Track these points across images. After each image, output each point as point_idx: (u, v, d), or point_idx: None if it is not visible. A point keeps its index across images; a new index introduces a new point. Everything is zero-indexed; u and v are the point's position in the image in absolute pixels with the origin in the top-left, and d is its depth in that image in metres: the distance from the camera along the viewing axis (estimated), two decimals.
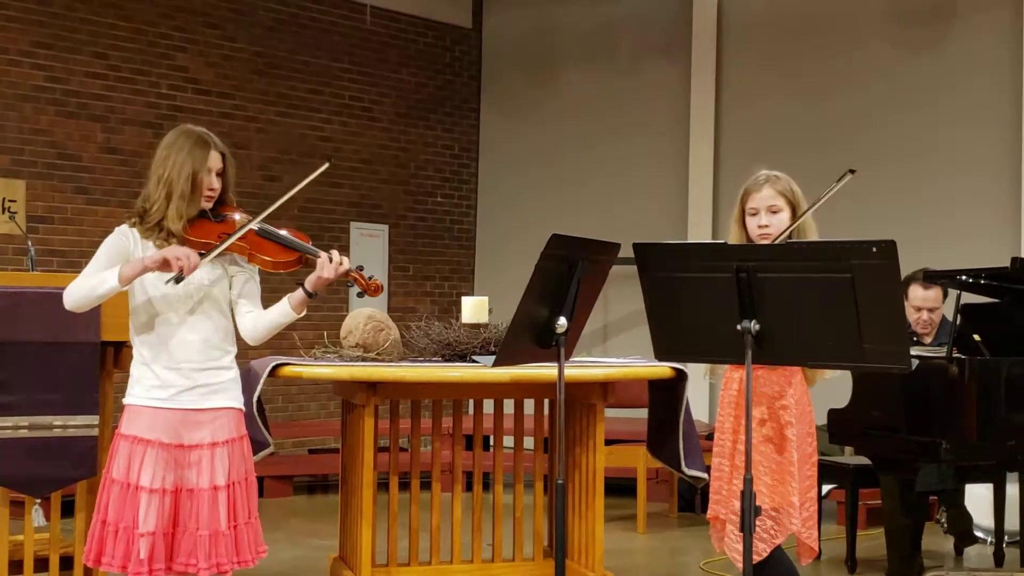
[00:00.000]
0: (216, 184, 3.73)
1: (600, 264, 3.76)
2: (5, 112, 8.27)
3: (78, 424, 4.35)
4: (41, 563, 4.51)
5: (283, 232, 3.79)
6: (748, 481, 3.34)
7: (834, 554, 6.40)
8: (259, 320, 3.79)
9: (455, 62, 10.97)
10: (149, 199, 3.68)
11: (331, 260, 3.73)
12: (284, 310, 3.77)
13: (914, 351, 5.21)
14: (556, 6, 10.65)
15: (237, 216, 3.76)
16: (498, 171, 11.01)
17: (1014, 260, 5.48)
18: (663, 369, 5.04)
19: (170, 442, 3.66)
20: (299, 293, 3.75)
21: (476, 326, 5.30)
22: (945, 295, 6.40)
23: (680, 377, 5.16)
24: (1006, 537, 6.34)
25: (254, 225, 3.71)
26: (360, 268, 3.85)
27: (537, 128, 10.74)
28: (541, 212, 10.34)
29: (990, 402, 5.29)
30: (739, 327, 3.36)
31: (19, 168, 8.31)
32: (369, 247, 10.12)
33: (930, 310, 6.38)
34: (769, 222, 3.85)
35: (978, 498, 6.50)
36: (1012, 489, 6.24)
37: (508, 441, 5.74)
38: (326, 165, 3.78)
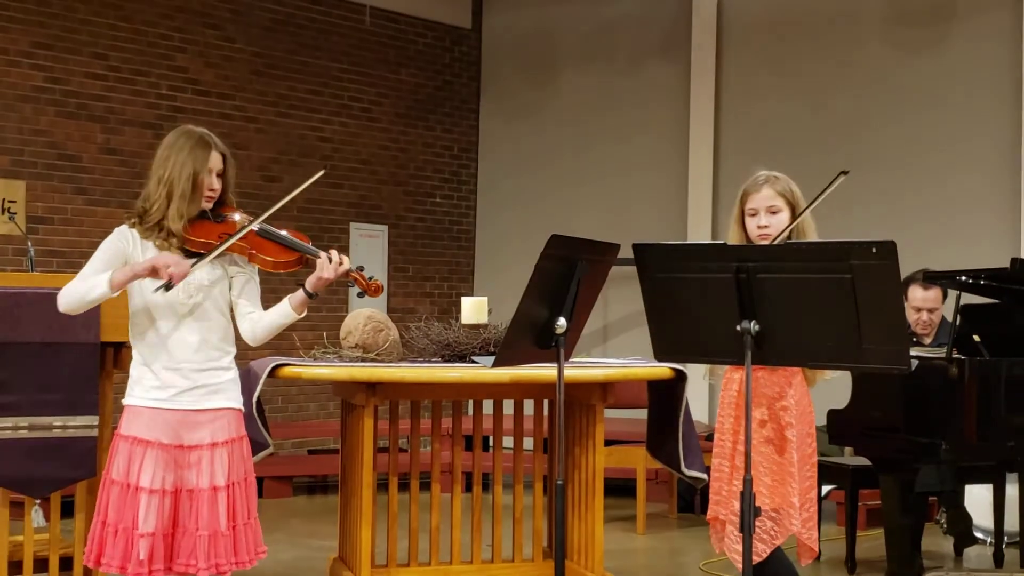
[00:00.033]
0: (217, 185, 3.73)
1: (600, 264, 3.77)
2: (5, 113, 8.27)
3: (78, 425, 4.35)
4: (41, 564, 4.51)
5: (283, 232, 3.79)
6: (748, 482, 3.34)
7: (834, 555, 6.40)
8: (260, 321, 3.79)
9: (455, 62, 10.98)
10: (149, 199, 3.69)
11: (331, 260, 3.73)
12: (285, 311, 3.77)
13: (914, 352, 5.22)
14: (556, 6, 10.66)
15: (237, 217, 3.76)
16: (498, 171, 11.01)
17: (1014, 261, 5.48)
18: (663, 370, 5.04)
19: (170, 443, 3.66)
20: (300, 294, 3.75)
21: (475, 327, 5.30)
22: (945, 296, 6.40)
23: (680, 378, 5.16)
24: (1006, 538, 6.34)
25: (254, 226, 3.71)
26: (360, 268, 3.85)
27: (537, 128, 10.74)
28: (541, 212, 10.35)
29: (990, 403, 5.29)
30: (739, 328, 3.36)
31: (19, 169, 8.31)
32: (369, 248, 10.12)
33: (930, 311, 6.38)
34: (768, 222, 3.85)
35: (978, 499, 6.50)
36: (1012, 490, 6.24)
37: (508, 442, 5.74)
38: (321, 172, 3.77)
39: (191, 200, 3.66)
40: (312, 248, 3.79)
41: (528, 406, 5.61)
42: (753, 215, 3.88)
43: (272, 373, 4.81)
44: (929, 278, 6.14)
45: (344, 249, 3.85)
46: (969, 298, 5.68)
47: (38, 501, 4.47)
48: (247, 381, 4.78)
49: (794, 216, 3.84)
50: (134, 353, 3.75)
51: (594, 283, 3.78)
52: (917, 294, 6.35)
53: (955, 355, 5.35)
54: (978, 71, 8.45)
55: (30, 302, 4.20)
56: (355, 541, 5.08)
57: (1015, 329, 5.66)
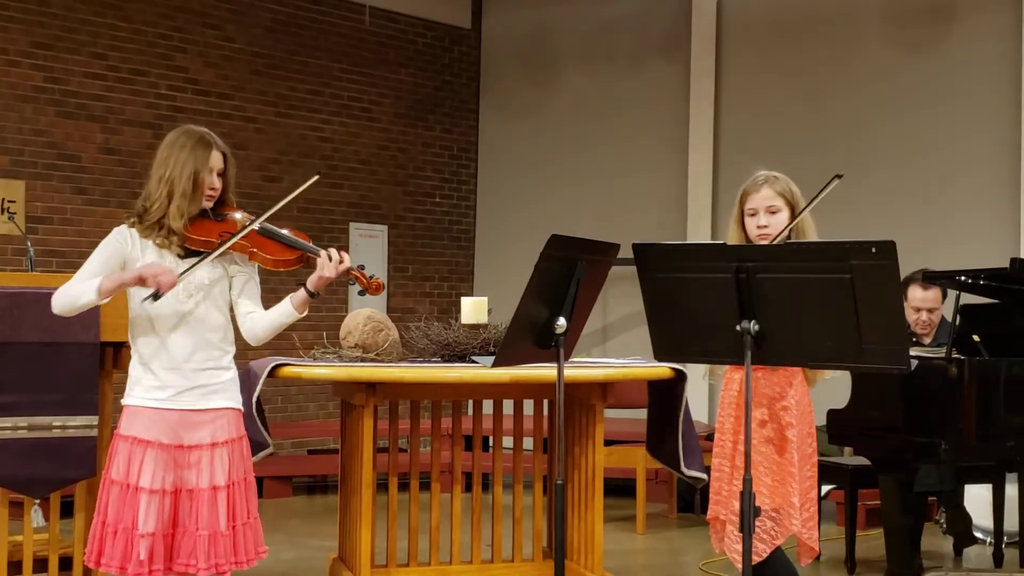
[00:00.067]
0: (217, 184, 3.74)
1: (600, 264, 3.77)
2: (5, 113, 8.27)
3: (77, 424, 4.35)
4: (40, 564, 4.51)
5: (284, 231, 3.80)
6: (747, 481, 3.34)
7: (833, 555, 6.40)
8: (261, 321, 3.79)
9: (454, 62, 10.98)
10: (150, 198, 3.69)
11: (331, 259, 3.74)
12: (286, 310, 3.77)
13: (913, 351, 5.22)
14: (555, 6, 10.66)
15: (238, 216, 3.77)
16: (497, 171, 11.01)
17: (1013, 261, 5.48)
18: (662, 370, 5.04)
19: (170, 443, 3.66)
20: (301, 293, 3.75)
21: (475, 326, 5.30)
22: (944, 296, 6.40)
23: (679, 378, 5.16)
24: (1005, 538, 6.34)
25: (255, 225, 3.71)
26: (361, 267, 3.86)
27: (536, 128, 10.74)
28: (540, 212, 10.35)
29: (989, 403, 5.29)
30: (738, 327, 3.36)
31: (18, 169, 8.31)
32: (368, 248, 10.12)
33: (929, 311, 6.38)
34: (768, 222, 3.85)
35: (977, 498, 6.50)
36: (1011, 489, 6.24)
37: (507, 442, 5.74)
38: (315, 177, 3.77)
39: (192, 199, 3.67)
40: (313, 246, 3.80)
41: (528, 406, 5.61)
42: (752, 215, 3.88)
43: (272, 373, 4.81)
44: (929, 278, 6.14)
45: (344, 249, 3.83)
46: (969, 298, 5.68)
47: (38, 501, 4.46)
48: (247, 381, 4.78)
49: (794, 216, 3.84)
50: (133, 353, 3.75)
51: (594, 283, 3.78)
52: (917, 294, 6.35)
53: (955, 355, 5.35)
54: (978, 71, 8.45)
55: (30, 302, 4.20)
56: (355, 541, 5.08)
57: (1015, 329, 5.66)
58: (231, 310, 3.82)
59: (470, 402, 5.78)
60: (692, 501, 7.99)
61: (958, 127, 8.51)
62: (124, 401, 3.72)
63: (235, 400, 3.80)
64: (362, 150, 10.26)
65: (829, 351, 3.36)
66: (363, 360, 5.05)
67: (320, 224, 9.68)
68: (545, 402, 5.67)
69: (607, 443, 5.83)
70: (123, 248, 3.69)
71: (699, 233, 9.54)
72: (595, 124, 10.37)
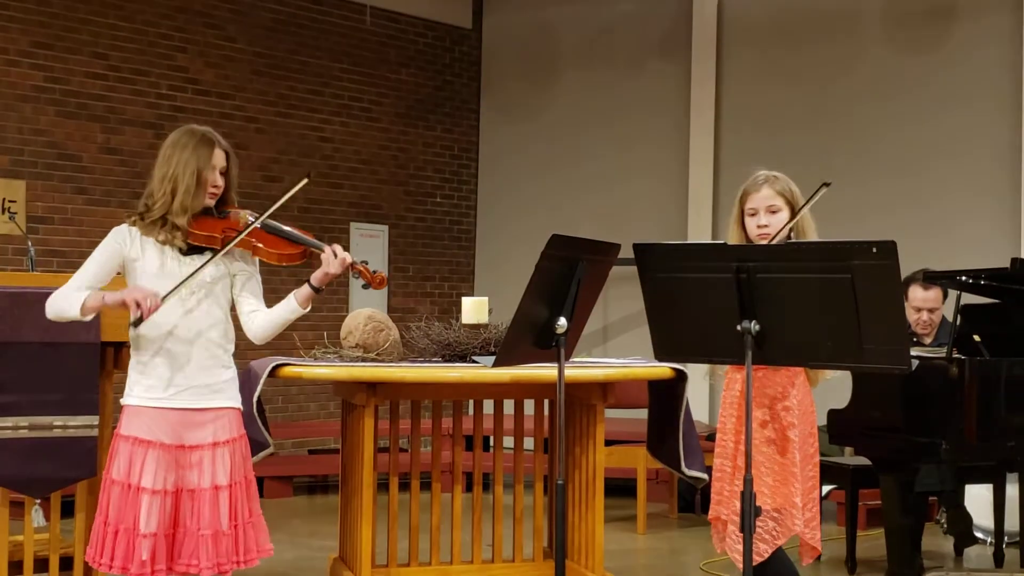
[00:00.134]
0: (220, 182, 3.75)
1: (600, 264, 3.76)
2: (5, 112, 8.27)
3: (78, 424, 4.35)
4: (41, 564, 4.51)
5: (287, 227, 3.81)
6: (748, 481, 3.34)
7: (834, 555, 6.40)
8: (266, 318, 3.80)
9: (455, 63, 10.97)
10: (153, 196, 3.69)
11: (336, 255, 3.74)
12: (291, 307, 3.79)
13: (914, 352, 5.22)
14: (556, 7, 10.66)
15: (240, 213, 3.77)
16: (498, 171, 11.01)
17: (1014, 261, 5.48)
18: (663, 370, 5.03)
19: (171, 443, 3.66)
20: (305, 288, 3.77)
21: (476, 326, 5.30)
22: (945, 296, 6.40)
23: (680, 378, 5.16)
24: (1006, 538, 6.33)
25: (259, 223, 3.72)
26: (364, 262, 3.88)
27: (537, 128, 10.74)
28: (541, 212, 10.35)
29: (990, 403, 5.29)
30: (739, 327, 3.36)
31: (19, 168, 8.31)
32: (369, 247, 10.12)
33: (930, 311, 6.38)
34: (768, 222, 3.85)
35: (978, 499, 6.50)
36: (1012, 490, 6.24)
37: (508, 441, 5.74)
38: (305, 180, 3.78)
39: (195, 195, 3.68)
40: (317, 242, 3.82)
41: (528, 406, 5.61)
42: (753, 215, 3.89)
43: (272, 373, 4.80)
44: (929, 278, 6.14)
45: (344, 250, 3.85)
46: (969, 298, 5.68)
47: (38, 501, 4.46)
48: (248, 381, 4.78)
49: (794, 216, 3.84)
50: (133, 352, 3.75)
51: (595, 283, 3.77)
52: (917, 294, 6.35)
53: (955, 355, 5.35)
54: (978, 73, 8.45)
55: (30, 302, 4.19)
56: (355, 541, 5.08)
57: (1015, 329, 5.66)
58: (232, 309, 3.82)
59: (471, 402, 5.78)
60: (693, 501, 7.99)
61: (959, 128, 8.51)
62: (124, 401, 3.72)
63: (235, 399, 3.80)
64: (363, 150, 10.26)
65: (830, 351, 3.36)
66: (364, 360, 5.05)
67: (320, 224, 9.68)
68: (546, 402, 5.67)
69: (608, 443, 5.83)
70: (122, 249, 3.69)
71: (699, 233, 9.54)
72: (596, 124, 10.37)
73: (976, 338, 5.63)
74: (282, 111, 9.73)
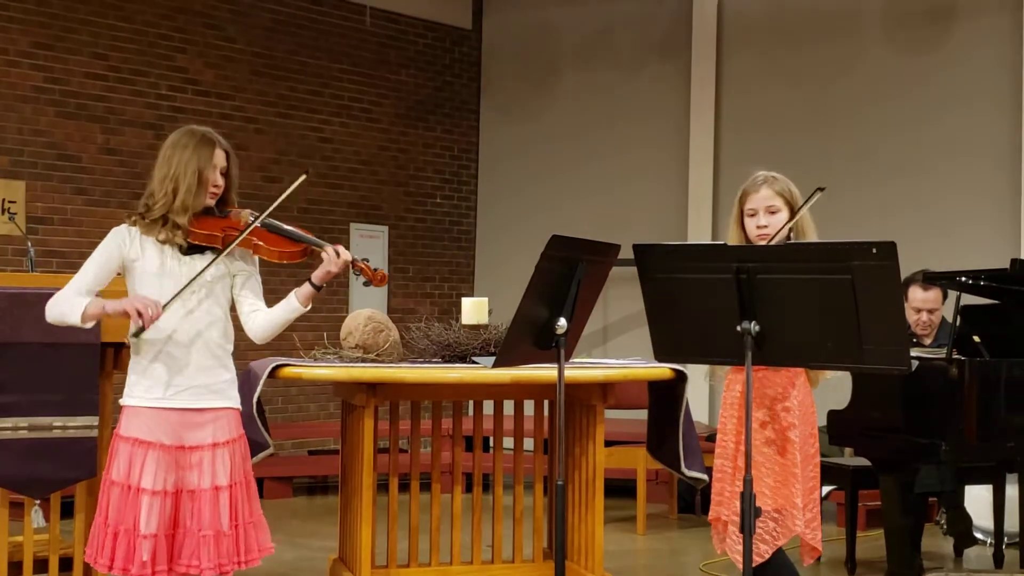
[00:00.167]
0: (220, 181, 3.75)
1: (600, 265, 3.77)
2: (5, 113, 8.27)
3: (78, 425, 4.35)
4: (41, 564, 4.51)
5: (287, 226, 3.82)
6: (748, 482, 3.34)
7: (834, 555, 6.40)
8: (267, 317, 3.80)
9: (455, 63, 10.97)
10: (154, 196, 3.69)
11: (339, 255, 3.75)
12: (292, 305, 3.79)
13: (914, 352, 5.22)
14: (556, 7, 10.66)
15: (241, 212, 3.78)
16: (498, 172, 11.01)
17: (1013, 262, 5.48)
18: (663, 370, 5.04)
19: (171, 444, 3.66)
20: (306, 287, 3.77)
21: (476, 327, 5.30)
22: (945, 296, 6.40)
23: (680, 378, 5.16)
24: (1005, 538, 6.33)
25: (259, 222, 3.73)
26: (365, 259, 3.89)
27: (537, 129, 10.74)
28: (541, 212, 10.35)
29: (990, 403, 5.29)
30: (739, 328, 3.36)
31: (19, 169, 8.31)
32: (369, 248, 10.12)
33: (930, 311, 6.38)
34: (767, 222, 3.86)
35: (978, 499, 6.50)
36: (1011, 490, 6.24)
37: (508, 442, 5.74)
38: (303, 177, 3.78)
39: (196, 194, 3.68)
40: (317, 240, 3.82)
41: (528, 406, 5.61)
42: (752, 215, 3.89)
43: (272, 373, 4.81)
44: (929, 279, 6.14)
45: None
46: (969, 299, 5.68)
47: (38, 501, 4.46)
48: (247, 381, 4.78)
49: (792, 217, 3.84)
50: (133, 352, 3.74)
51: (594, 284, 3.78)
52: (917, 295, 6.35)
53: (955, 355, 5.35)
54: (978, 73, 8.45)
55: (30, 302, 4.20)
56: (355, 541, 5.08)
57: (1015, 330, 5.66)
58: (232, 309, 3.82)
59: (471, 403, 5.78)
60: (693, 502, 7.99)
61: (959, 126, 8.51)
62: (123, 401, 3.71)
63: (234, 400, 3.80)
64: (363, 151, 10.26)
65: (830, 352, 3.36)
66: (364, 361, 5.05)
67: (320, 224, 9.68)
68: (546, 403, 5.67)
69: (607, 444, 5.83)
70: (121, 249, 3.69)
71: (699, 234, 9.54)
72: (596, 125, 10.37)
73: (976, 339, 5.63)
74: (282, 112, 9.73)
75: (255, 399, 4.78)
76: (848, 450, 6.90)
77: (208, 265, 3.66)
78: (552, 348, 3.66)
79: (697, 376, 5.15)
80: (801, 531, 3.76)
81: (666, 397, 5.32)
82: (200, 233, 3.68)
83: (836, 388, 4.92)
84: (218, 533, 3.65)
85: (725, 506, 3.86)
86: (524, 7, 10.86)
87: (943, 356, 5.39)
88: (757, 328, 3.35)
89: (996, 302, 5.79)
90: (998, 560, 6.31)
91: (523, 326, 3.59)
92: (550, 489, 5.28)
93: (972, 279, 5.51)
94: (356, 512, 5.08)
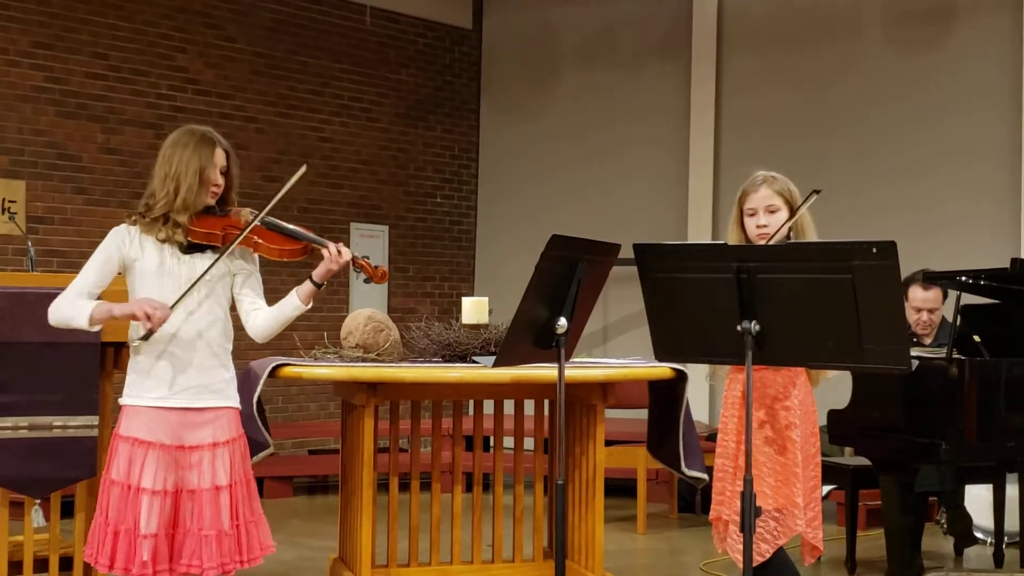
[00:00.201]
0: (221, 181, 3.75)
1: (600, 265, 3.77)
2: (5, 113, 8.27)
3: (78, 424, 4.35)
4: (41, 564, 4.51)
5: (288, 225, 3.82)
6: (748, 481, 3.34)
7: (834, 555, 6.40)
8: (268, 315, 3.80)
9: (455, 63, 10.97)
10: (155, 195, 3.69)
11: (340, 253, 3.76)
12: (293, 303, 3.79)
13: (914, 352, 5.22)
14: (556, 7, 10.66)
15: (241, 211, 3.78)
16: (498, 171, 11.01)
17: (1014, 261, 5.48)
18: (663, 370, 5.03)
19: (171, 443, 3.66)
20: (307, 284, 3.78)
21: (476, 327, 5.30)
22: (945, 296, 6.40)
23: (680, 378, 5.16)
24: (1006, 538, 6.33)
25: (259, 220, 3.73)
26: (365, 257, 3.89)
27: (537, 129, 10.74)
28: (541, 212, 10.34)
29: (990, 403, 5.29)
30: (739, 328, 3.36)
31: (19, 169, 8.31)
32: (369, 248, 10.12)
33: (930, 311, 6.38)
34: (767, 222, 3.86)
35: (978, 499, 6.50)
36: (1012, 490, 6.24)
37: (508, 442, 5.74)
38: (303, 169, 3.78)
39: (197, 194, 3.69)
40: (317, 237, 3.83)
41: (529, 406, 5.61)
42: (752, 215, 3.89)
43: (272, 373, 4.80)
44: (929, 278, 6.14)
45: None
46: (969, 298, 5.68)
47: (38, 501, 4.46)
48: (248, 381, 4.78)
49: (791, 217, 3.84)
50: (132, 352, 3.74)
51: (595, 283, 3.78)
52: (917, 294, 6.35)
53: (955, 355, 5.35)
54: (978, 74, 8.45)
55: (30, 302, 4.20)
56: (355, 541, 5.08)
57: (1015, 329, 5.66)
58: (232, 308, 3.82)
59: (471, 402, 5.78)
60: (693, 501, 7.99)
61: (959, 126, 8.51)
62: (123, 400, 3.71)
63: (234, 399, 3.81)
64: (363, 150, 10.26)
65: (830, 351, 3.36)
66: (364, 360, 5.05)
67: (320, 224, 9.67)
68: (546, 402, 5.67)
69: (608, 443, 5.83)
70: (121, 250, 3.69)
71: (699, 234, 9.54)
72: (596, 125, 10.37)
73: (976, 338, 5.63)
74: (282, 111, 9.73)
75: (255, 398, 4.78)
76: (848, 450, 6.91)
77: (213, 263, 3.66)
78: (552, 348, 3.66)
79: (697, 376, 5.16)
80: (802, 530, 3.76)
81: (666, 397, 5.32)
82: (200, 232, 3.69)
83: (836, 388, 4.92)
84: (220, 533, 3.65)
85: (726, 505, 3.86)
86: (524, 7, 10.86)
87: (943, 356, 5.39)
88: (757, 328, 3.35)
89: (996, 302, 5.79)
90: (998, 560, 6.31)
91: (523, 326, 3.59)
92: (550, 489, 5.28)
93: (972, 279, 5.51)
94: (356, 512, 5.08)
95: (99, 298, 3.69)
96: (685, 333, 3.57)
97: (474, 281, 11.07)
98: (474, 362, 5.13)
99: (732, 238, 3.93)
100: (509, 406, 5.64)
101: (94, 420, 4.37)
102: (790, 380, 3.79)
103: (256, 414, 4.81)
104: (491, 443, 6.07)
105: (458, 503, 5.42)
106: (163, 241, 3.68)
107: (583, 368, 5.08)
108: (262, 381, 4.80)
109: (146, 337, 3.58)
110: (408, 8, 10.53)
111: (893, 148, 8.78)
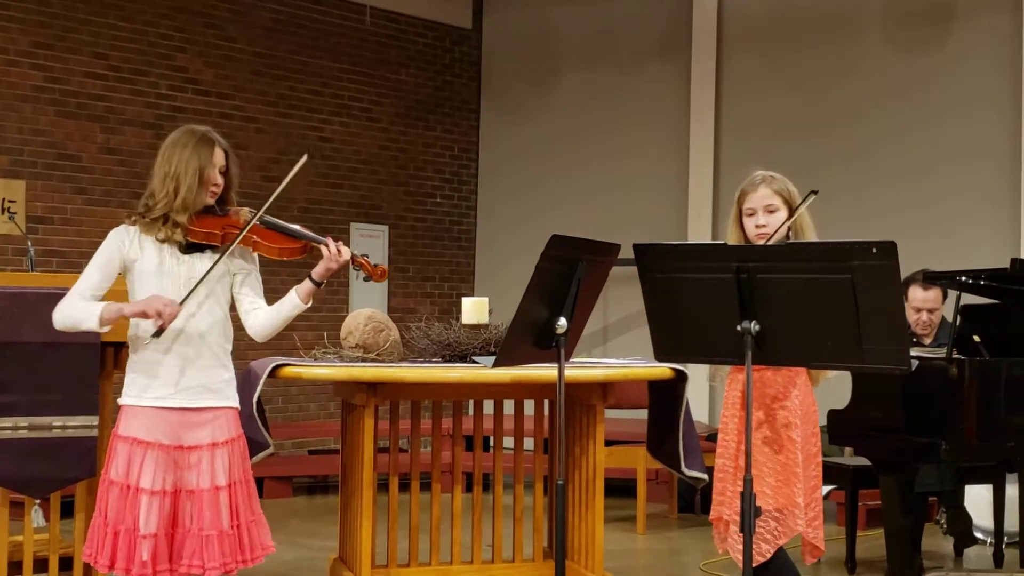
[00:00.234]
0: (220, 181, 3.75)
1: (600, 265, 3.77)
2: (5, 112, 8.27)
3: (77, 425, 4.35)
4: (41, 564, 4.51)
5: (287, 224, 3.83)
6: (748, 482, 3.34)
7: (834, 555, 6.40)
8: (268, 315, 3.80)
9: (455, 63, 10.97)
10: (155, 195, 3.70)
11: (339, 251, 3.76)
12: (293, 302, 3.79)
13: (914, 352, 5.22)
14: (556, 7, 10.66)
15: (241, 210, 3.78)
16: (498, 172, 11.01)
17: (1013, 261, 5.48)
18: (663, 370, 5.03)
19: (170, 444, 3.66)
20: (307, 283, 3.78)
21: (476, 327, 5.30)
22: (945, 296, 6.40)
23: (680, 378, 5.16)
24: (1005, 538, 6.33)
25: (257, 219, 3.73)
26: (365, 255, 3.90)
27: (537, 128, 10.74)
28: (541, 212, 10.34)
29: (989, 403, 5.29)
30: (739, 328, 3.36)
31: (19, 168, 8.31)
32: (369, 248, 10.11)
33: (930, 311, 6.38)
34: (766, 222, 3.86)
35: (978, 499, 6.50)
36: (1011, 490, 6.24)
37: (508, 442, 5.74)
38: (304, 158, 3.78)
39: (197, 194, 3.69)
40: (317, 236, 3.83)
41: (528, 406, 5.61)
42: (751, 215, 3.89)
43: (272, 373, 4.80)
44: (929, 278, 6.14)
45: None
46: (969, 298, 5.68)
47: (38, 501, 4.46)
48: (247, 381, 4.78)
49: (790, 217, 3.84)
50: (131, 352, 3.74)
51: (595, 283, 3.78)
52: (917, 294, 6.35)
53: (955, 355, 5.35)
54: (978, 74, 8.45)
55: (30, 302, 4.20)
56: (355, 541, 5.08)
57: (1015, 329, 5.66)
58: (232, 308, 3.83)
59: (471, 402, 5.78)
60: (693, 501, 7.99)
61: (958, 126, 8.51)
62: (122, 400, 3.71)
63: (233, 399, 3.81)
64: (363, 150, 10.26)
65: (830, 351, 3.36)
66: (364, 360, 5.05)
67: (320, 224, 9.67)
68: (546, 402, 5.67)
69: (608, 443, 5.83)
70: (121, 250, 3.69)
71: (699, 233, 9.53)
72: (596, 125, 10.37)
73: (976, 338, 5.63)
74: (282, 111, 9.73)
75: (255, 399, 4.78)
76: (848, 450, 6.91)
77: (217, 261, 3.66)
78: (552, 348, 3.66)
79: (697, 376, 5.16)
80: (803, 530, 3.76)
81: (666, 397, 5.32)
82: (200, 232, 3.69)
83: (836, 388, 4.91)
84: (220, 533, 3.65)
85: (727, 505, 3.85)
86: (524, 7, 10.86)
87: (943, 356, 5.39)
88: (757, 328, 3.35)
89: (996, 302, 5.79)
90: (998, 560, 6.31)
91: (523, 326, 3.59)
92: (550, 489, 5.28)
93: (972, 279, 5.51)
94: (356, 512, 5.08)
95: (102, 299, 3.69)
96: (685, 333, 3.57)
97: (474, 281, 11.07)
98: (474, 362, 5.13)
99: (732, 238, 3.93)
100: (509, 406, 5.64)
101: (94, 420, 4.37)
102: (790, 380, 3.79)
103: (256, 414, 4.80)
104: (491, 443, 6.06)
105: (458, 503, 5.42)
106: (162, 241, 3.68)
107: (583, 368, 5.08)
108: (262, 381, 4.80)
109: (158, 334, 3.58)
110: (408, 8, 10.53)
111: (893, 148, 8.78)
